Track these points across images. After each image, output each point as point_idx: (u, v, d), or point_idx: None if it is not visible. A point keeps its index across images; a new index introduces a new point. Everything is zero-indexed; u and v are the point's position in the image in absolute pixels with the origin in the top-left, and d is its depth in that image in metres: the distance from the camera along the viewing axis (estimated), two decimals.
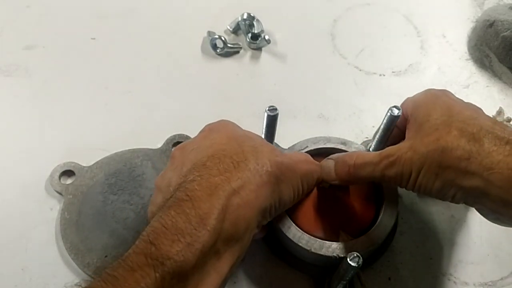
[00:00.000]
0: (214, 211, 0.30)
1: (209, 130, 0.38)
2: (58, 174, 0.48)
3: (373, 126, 0.56)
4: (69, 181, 0.49)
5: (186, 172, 0.33)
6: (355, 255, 0.36)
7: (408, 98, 0.43)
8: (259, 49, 0.63)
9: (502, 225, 0.39)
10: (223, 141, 0.35)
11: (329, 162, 0.43)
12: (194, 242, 0.28)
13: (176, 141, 0.52)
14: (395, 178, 0.38)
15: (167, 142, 0.52)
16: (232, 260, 0.31)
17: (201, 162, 0.33)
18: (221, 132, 0.37)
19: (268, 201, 0.34)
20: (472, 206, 0.37)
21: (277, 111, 0.44)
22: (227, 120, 0.40)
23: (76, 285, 0.28)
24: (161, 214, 0.29)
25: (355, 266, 0.36)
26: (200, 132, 0.39)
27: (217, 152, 0.34)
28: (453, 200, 0.37)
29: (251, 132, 0.39)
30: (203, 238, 0.28)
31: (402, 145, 0.39)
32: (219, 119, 0.41)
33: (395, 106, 0.42)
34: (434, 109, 0.39)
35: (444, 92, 0.42)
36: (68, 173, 0.49)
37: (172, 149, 0.51)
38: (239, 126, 0.40)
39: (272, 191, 0.34)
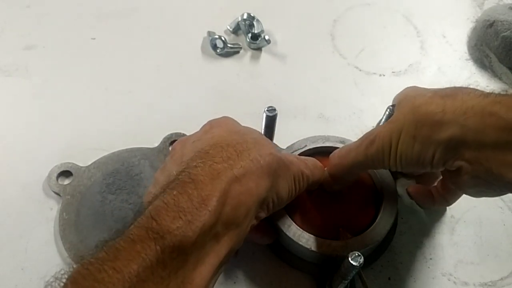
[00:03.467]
0: (216, 193, 0.30)
1: (210, 125, 0.39)
2: (55, 175, 0.48)
3: (373, 126, 0.56)
4: (66, 181, 0.49)
5: (188, 160, 0.33)
6: (357, 254, 0.36)
7: None
8: (259, 49, 0.63)
9: (485, 196, 0.38)
10: (224, 134, 0.36)
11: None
12: (194, 220, 0.28)
13: (173, 140, 0.52)
14: (377, 155, 0.38)
15: (164, 141, 0.52)
16: (230, 244, 0.31)
17: (204, 151, 0.33)
18: (222, 127, 0.38)
19: (267, 193, 0.34)
20: (451, 167, 0.36)
21: (276, 112, 0.44)
22: (229, 117, 0.40)
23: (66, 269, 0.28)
24: (164, 194, 0.30)
25: (356, 265, 0.35)
26: (202, 127, 0.39)
27: (219, 141, 0.34)
28: (433, 162, 0.36)
29: (251, 128, 0.40)
30: (204, 218, 0.29)
31: (381, 125, 0.40)
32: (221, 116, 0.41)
33: (393, 105, 0.43)
34: (412, 90, 0.40)
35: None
36: (65, 173, 0.49)
37: (169, 148, 0.52)
38: (239, 123, 0.40)
39: (271, 183, 0.34)
